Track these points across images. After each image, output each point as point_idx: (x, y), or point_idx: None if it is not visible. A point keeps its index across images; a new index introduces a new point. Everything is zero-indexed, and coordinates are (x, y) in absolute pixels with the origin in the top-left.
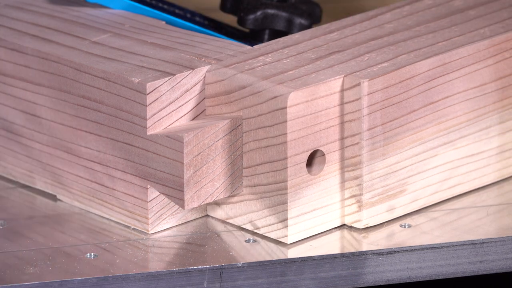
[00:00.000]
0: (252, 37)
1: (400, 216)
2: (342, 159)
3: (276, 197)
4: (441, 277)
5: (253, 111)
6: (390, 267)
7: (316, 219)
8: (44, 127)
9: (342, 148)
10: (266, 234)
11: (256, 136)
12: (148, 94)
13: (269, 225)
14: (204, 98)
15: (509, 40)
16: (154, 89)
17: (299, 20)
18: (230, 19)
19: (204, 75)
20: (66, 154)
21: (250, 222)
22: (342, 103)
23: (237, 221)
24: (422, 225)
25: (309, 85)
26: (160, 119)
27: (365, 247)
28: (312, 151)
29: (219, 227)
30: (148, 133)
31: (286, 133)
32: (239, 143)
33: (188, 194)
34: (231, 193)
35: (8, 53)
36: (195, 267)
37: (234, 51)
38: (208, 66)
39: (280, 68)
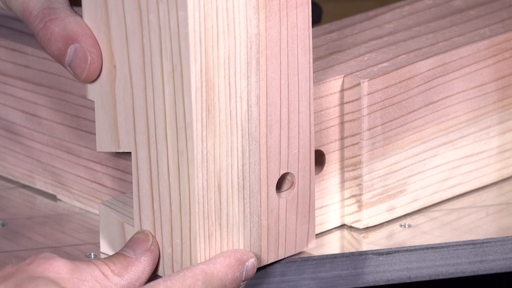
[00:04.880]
0: None
1: (400, 216)
2: (342, 159)
3: None
4: (441, 277)
5: None
6: (390, 267)
7: (316, 219)
8: (44, 127)
9: (342, 148)
10: None
11: None
12: None
13: None
14: None
15: (509, 40)
16: None
17: None
18: None
19: None
20: (66, 154)
21: None
22: (342, 103)
23: None
24: (422, 225)
25: None
26: None
27: (365, 247)
28: None
29: None
30: None
31: None
32: None
33: None
34: None
35: (8, 53)
36: None
37: None
38: None
39: None
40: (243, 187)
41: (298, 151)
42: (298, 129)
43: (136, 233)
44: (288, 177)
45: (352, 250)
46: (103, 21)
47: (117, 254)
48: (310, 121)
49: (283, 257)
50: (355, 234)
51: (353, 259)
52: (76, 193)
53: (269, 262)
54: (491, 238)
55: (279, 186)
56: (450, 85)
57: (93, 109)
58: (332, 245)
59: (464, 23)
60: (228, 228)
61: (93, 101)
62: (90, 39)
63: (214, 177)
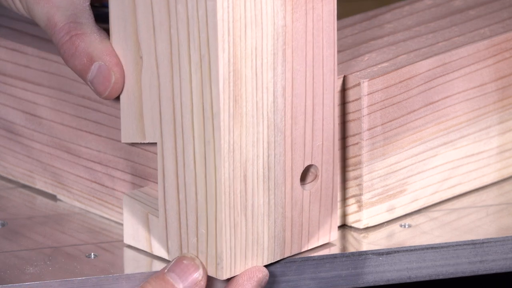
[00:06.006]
0: None
1: (400, 216)
2: (342, 159)
3: None
4: (441, 277)
5: None
6: (390, 267)
7: None
8: (44, 127)
9: (342, 148)
10: None
11: None
12: None
13: None
14: None
15: (509, 40)
16: None
17: None
18: None
19: None
20: (66, 154)
21: None
22: (342, 103)
23: None
24: (422, 225)
25: None
26: None
27: (365, 247)
28: None
29: None
30: None
31: None
32: None
33: None
34: None
35: (8, 53)
36: None
37: None
38: None
39: None
40: (268, 178)
41: (322, 144)
42: (322, 121)
43: (186, 259)
44: (312, 170)
45: (352, 250)
46: (130, 11)
47: (164, 283)
48: (334, 114)
49: (306, 249)
50: (355, 234)
51: (353, 259)
52: (76, 193)
53: (293, 253)
54: (491, 238)
55: (303, 178)
56: (450, 85)
57: (94, 109)
58: (332, 245)
59: (464, 23)
60: (253, 218)
61: (93, 102)
62: (114, 58)
63: (240, 167)
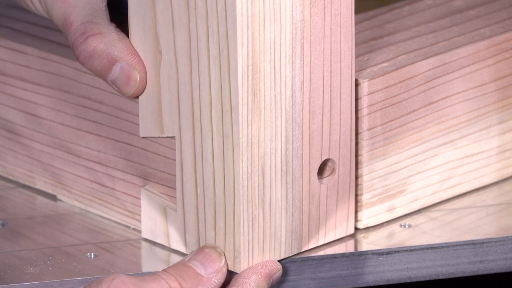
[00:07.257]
0: None
1: (400, 216)
2: None
3: None
4: (441, 277)
5: None
6: (390, 267)
7: None
8: (44, 127)
9: None
10: None
11: None
12: None
13: None
14: None
15: (509, 40)
16: None
17: None
18: None
19: None
20: (66, 154)
21: None
22: None
23: None
24: (422, 225)
25: None
26: None
27: (365, 247)
28: None
29: None
30: None
31: None
32: None
33: None
34: None
35: (8, 53)
36: None
37: None
38: None
39: None
40: (286, 172)
41: (340, 138)
42: (340, 115)
43: (207, 248)
44: (329, 164)
45: (352, 250)
46: (149, 6)
47: (186, 268)
48: (351, 108)
49: (323, 243)
50: (355, 234)
51: (353, 259)
52: (76, 193)
53: (310, 247)
54: (491, 238)
55: (320, 172)
56: (450, 85)
57: (94, 109)
58: (332, 245)
59: (464, 23)
60: (271, 212)
61: (93, 102)
62: (136, 57)
63: (258, 161)
